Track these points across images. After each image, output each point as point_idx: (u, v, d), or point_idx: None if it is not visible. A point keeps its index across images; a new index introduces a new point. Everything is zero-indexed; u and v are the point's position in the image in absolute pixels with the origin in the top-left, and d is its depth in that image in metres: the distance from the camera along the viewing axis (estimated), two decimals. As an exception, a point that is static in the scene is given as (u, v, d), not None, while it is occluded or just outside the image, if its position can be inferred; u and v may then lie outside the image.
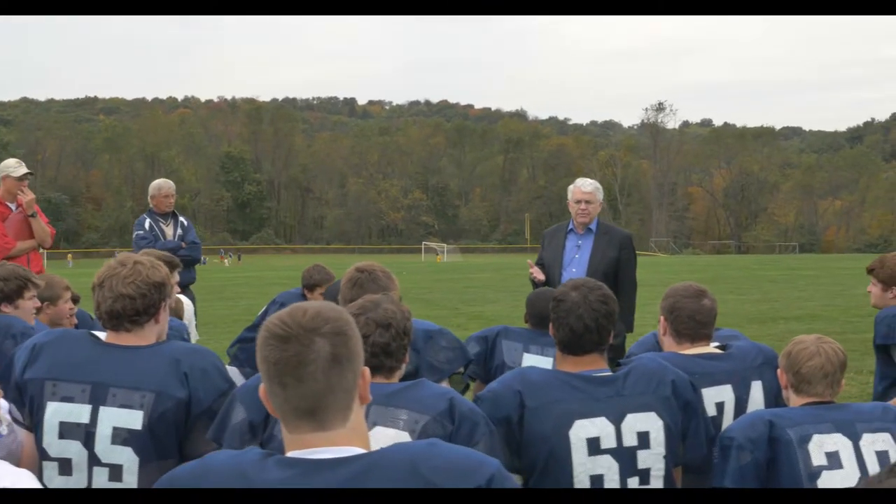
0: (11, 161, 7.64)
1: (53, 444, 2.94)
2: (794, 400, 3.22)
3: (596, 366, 3.11)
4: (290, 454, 1.86)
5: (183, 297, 6.10)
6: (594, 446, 2.94)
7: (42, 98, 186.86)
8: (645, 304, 19.29)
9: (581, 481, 2.92)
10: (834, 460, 2.97)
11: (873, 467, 2.97)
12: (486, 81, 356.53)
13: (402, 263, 53.46)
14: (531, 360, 4.56)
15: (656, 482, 2.99)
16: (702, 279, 24.24)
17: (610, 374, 3.08)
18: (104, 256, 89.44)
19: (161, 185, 8.25)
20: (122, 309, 3.03)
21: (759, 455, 3.00)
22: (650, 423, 3.00)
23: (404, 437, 2.66)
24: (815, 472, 2.95)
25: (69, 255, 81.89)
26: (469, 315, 18.12)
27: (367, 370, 1.95)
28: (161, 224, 8.15)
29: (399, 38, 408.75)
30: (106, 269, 3.12)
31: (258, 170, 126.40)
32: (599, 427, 2.94)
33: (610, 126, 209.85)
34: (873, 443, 3.03)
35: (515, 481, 2.02)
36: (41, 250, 7.78)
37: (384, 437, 2.65)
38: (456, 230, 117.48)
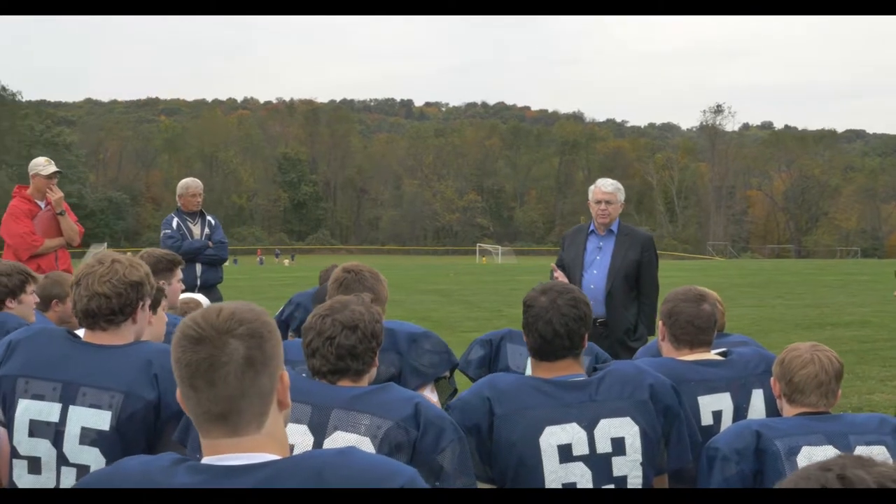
0: (41, 160, 7.74)
1: (23, 441, 2.93)
2: (787, 410, 3.10)
3: (570, 371, 3.01)
4: (203, 460, 1.80)
5: (200, 297, 6.08)
6: (566, 453, 2.84)
7: (105, 99, 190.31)
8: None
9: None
10: (823, 474, 2.84)
11: (865, 482, 2.83)
12: (544, 83, 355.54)
13: (450, 265, 53.55)
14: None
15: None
16: (752, 283, 24.04)
17: (584, 378, 2.98)
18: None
19: (188, 184, 8.28)
20: (97, 308, 3.01)
21: (746, 467, 2.88)
22: (625, 428, 2.89)
23: (365, 442, 2.59)
24: (803, 487, 2.81)
25: (128, 253, 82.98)
26: (511, 317, 18.00)
27: (286, 374, 1.88)
28: (188, 223, 8.18)
29: (458, 38, 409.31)
30: (83, 268, 3.11)
31: (314, 171, 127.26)
32: (570, 433, 2.85)
33: (668, 128, 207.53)
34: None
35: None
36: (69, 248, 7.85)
37: (345, 442, 2.60)
38: (511, 232, 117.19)
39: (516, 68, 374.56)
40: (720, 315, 4.50)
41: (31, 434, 2.91)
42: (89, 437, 2.87)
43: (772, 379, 3.15)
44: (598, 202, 6.38)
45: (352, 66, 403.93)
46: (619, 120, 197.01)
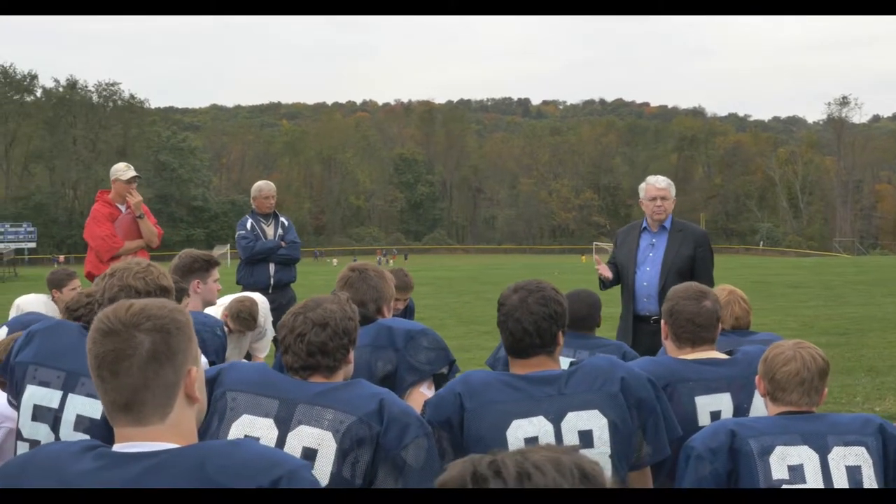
0: (121, 165, 8.08)
1: (27, 425, 3.12)
2: (771, 408, 3.04)
3: (543, 368, 3.03)
4: (113, 447, 1.91)
5: (257, 296, 6.28)
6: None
7: (230, 104, 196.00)
8: (793, 306, 18.60)
9: None
10: (797, 474, 2.79)
11: (841, 483, 2.78)
12: (664, 78, 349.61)
13: (557, 264, 53.36)
14: (569, 363, 4.47)
15: None
16: (865, 281, 23.13)
17: (555, 372, 2.99)
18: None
19: (262, 186, 8.53)
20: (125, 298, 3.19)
21: (720, 466, 2.84)
22: (593, 421, 2.88)
23: (328, 437, 2.66)
24: (775, 487, 2.78)
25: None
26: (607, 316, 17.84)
27: (194, 369, 1.97)
28: (262, 224, 8.42)
29: (576, 35, 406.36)
30: (120, 263, 3.36)
31: (431, 171, 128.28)
32: (537, 426, 2.86)
33: (793, 122, 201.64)
34: (844, 457, 2.82)
35: (316, 482, 1.99)
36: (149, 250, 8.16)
37: (308, 436, 2.66)
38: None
39: (637, 64, 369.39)
40: (745, 313, 4.44)
41: (34, 418, 3.10)
42: (83, 424, 3.04)
43: (757, 377, 3.09)
44: (653, 199, 6.30)
45: (471, 66, 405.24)
46: (741, 114, 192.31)
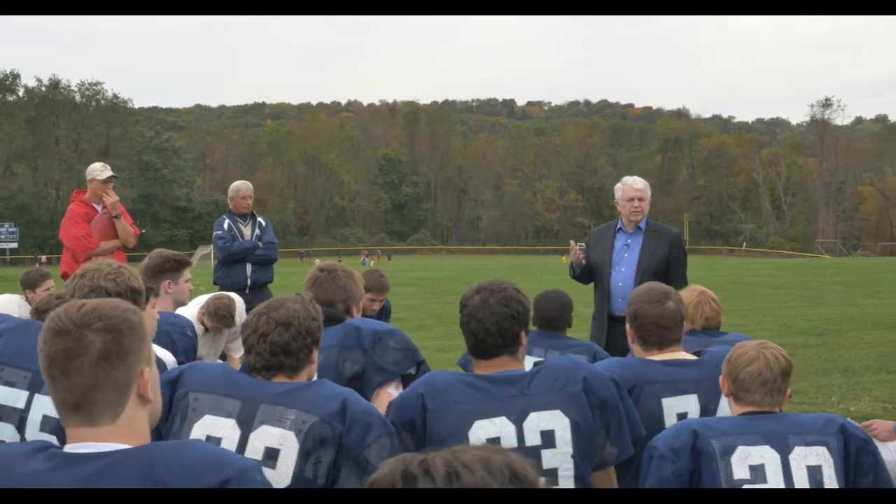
0: (97, 165, 8.04)
1: None
2: (734, 409, 3.05)
3: (506, 368, 3.03)
4: (65, 448, 1.91)
5: (234, 295, 6.26)
6: None
7: (215, 105, 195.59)
8: (773, 307, 18.67)
9: None
10: (758, 474, 2.80)
11: (802, 482, 2.79)
12: (648, 80, 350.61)
13: (540, 265, 53.41)
14: (534, 363, 4.48)
15: (565, 482, 2.87)
16: (845, 282, 23.25)
17: (518, 373, 2.99)
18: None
19: (239, 186, 8.50)
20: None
21: (682, 466, 2.85)
22: (555, 421, 2.88)
23: (290, 436, 2.65)
24: (736, 486, 2.79)
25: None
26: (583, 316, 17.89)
27: (147, 370, 1.96)
28: (239, 224, 8.39)
29: (563, 37, 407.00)
30: (91, 263, 3.33)
31: (415, 172, 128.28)
32: (499, 427, 2.86)
33: (777, 123, 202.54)
34: (805, 457, 2.83)
35: (267, 483, 1.99)
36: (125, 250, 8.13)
37: (270, 436, 2.66)
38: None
39: (623, 65, 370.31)
40: (715, 314, 4.46)
41: (0, 418, 3.07)
42: (49, 424, 3.01)
43: (720, 377, 3.10)
44: (630, 199, 6.32)
45: (457, 67, 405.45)
46: (725, 116, 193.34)
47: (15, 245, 75.30)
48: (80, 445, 1.88)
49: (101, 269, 3.25)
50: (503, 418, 2.87)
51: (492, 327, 2.98)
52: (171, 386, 2.83)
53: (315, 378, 2.96)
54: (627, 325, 3.69)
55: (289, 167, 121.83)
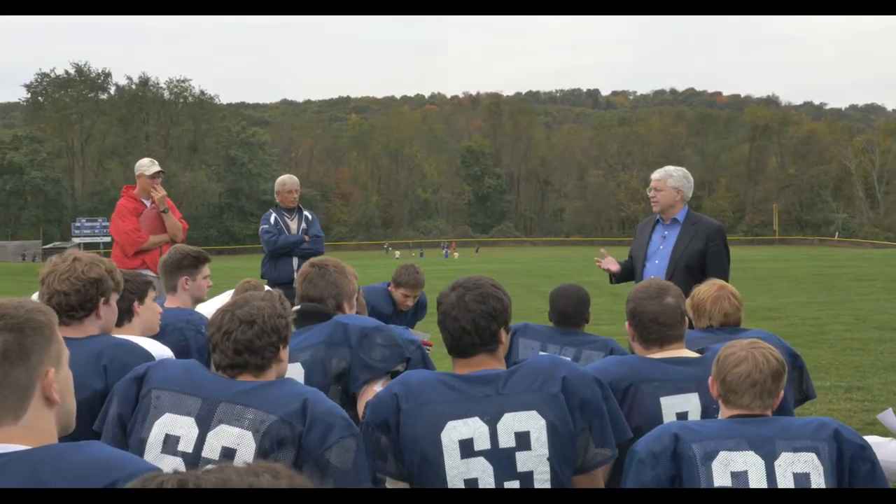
0: (145, 161, 8.17)
1: None
2: (723, 412, 2.90)
3: (484, 367, 2.92)
4: None
5: (271, 290, 6.24)
6: (467, 448, 2.75)
7: (300, 99, 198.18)
8: (852, 299, 18.04)
9: (455, 485, 2.75)
10: (740, 480, 2.65)
11: (787, 490, 2.63)
12: (739, 67, 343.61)
13: (625, 256, 52.35)
14: None
15: (541, 486, 2.75)
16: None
17: (495, 372, 2.88)
18: (351, 249, 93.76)
19: (285, 180, 8.55)
20: (57, 305, 3.15)
21: (661, 471, 2.71)
22: (530, 422, 2.76)
23: (247, 436, 2.61)
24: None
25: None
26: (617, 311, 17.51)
27: (51, 371, 1.92)
28: (286, 218, 8.43)
29: (646, 25, 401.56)
30: (48, 266, 3.28)
31: (498, 163, 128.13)
32: (472, 428, 2.76)
33: (872, 110, 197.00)
34: (792, 463, 2.66)
35: None
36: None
37: (228, 435, 2.61)
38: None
39: (709, 53, 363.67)
40: (734, 309, 4.27)
41: None
42: None
43: (710, 379, 2.95)
44: (649, 190, 6.20)
45: (540, 57, 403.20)
46: (817, 102, 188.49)
47: (109, 239, 77.44)
48: None
49: (56, 269, 3.21)
50: (476, 419, 2.77)
51: (468, 325, 2.88)
52: (137, 383, 2.81)
53: (286, 377, 2.91)
54: (627, 323, 3.56)
55: (372, 160, 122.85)
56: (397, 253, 77.93)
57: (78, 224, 77.88)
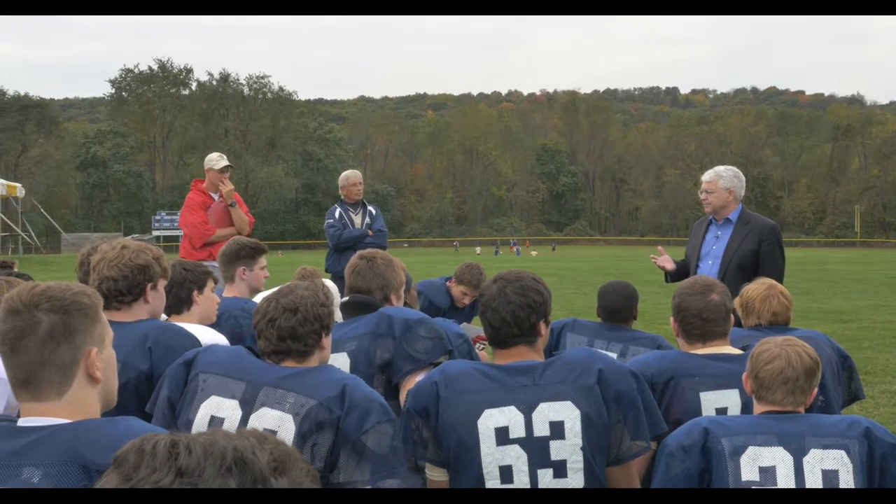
0: (214, 155, 8.38)
1: None
2: (756, 408, 2.92)
3: (523, 358, 2.99)
4: (18, 421, 2.02)
5: (329, 283, 6.38)
6: (502, 436, 2.83)
7: (377, 96, 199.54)
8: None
9: (490, 472, 2.83)
10: (768, 476, 2.67)
11: (815, 487, 2.65)
12: (821, 65, 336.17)
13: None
14: None
15: (574, 475, 2.81)
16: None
17: (532, 363, 2.95)
18: (425, 246, 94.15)
19: (349, 175, 8.68)
20: (107, 290, 3.31)
21: (691, 465, 2.75)
22: (565, 412, 2.83)
23: (288, 419, 2.71)
24: (743, 488, 2.67)
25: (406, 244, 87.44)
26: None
27: (94, 350, 2.05)
28: (350, 213, 8.56)
29: (732, 23, 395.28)
30: (98, 254, 3.45)
31: (573, 161, 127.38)
32: (508, 416, 2.84)
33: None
34: (822, 460, 2.68)
35: None
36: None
37: (269, 418, 2.73)
38: (778, 223, 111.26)
39: (793, 51, 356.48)
40: (784, 309, 4.26)
41: None
42: None
43: (744, 375, 2.98)
44: (701, 192, 6.20)
45: (620, 55, 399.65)
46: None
47: (184, 232, 78.99)
48: (28, 419, 1.98)
49: (106, 257, 3.35)
50: (512, 407, 2.85)
51: (507, 316, 2.96)
52: (186, 367, 2.94)
53: (328, 364, 3.01)
54: (672, 319, 3.59)
55: (447, 157, 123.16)
56: (478, 249, 77.93)
57: (158, 217, 79.60)
